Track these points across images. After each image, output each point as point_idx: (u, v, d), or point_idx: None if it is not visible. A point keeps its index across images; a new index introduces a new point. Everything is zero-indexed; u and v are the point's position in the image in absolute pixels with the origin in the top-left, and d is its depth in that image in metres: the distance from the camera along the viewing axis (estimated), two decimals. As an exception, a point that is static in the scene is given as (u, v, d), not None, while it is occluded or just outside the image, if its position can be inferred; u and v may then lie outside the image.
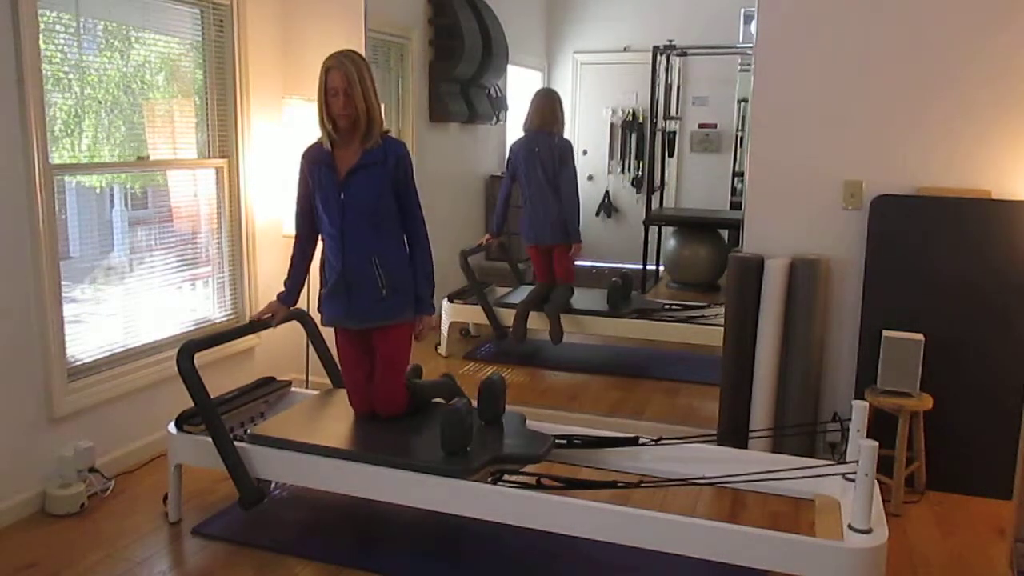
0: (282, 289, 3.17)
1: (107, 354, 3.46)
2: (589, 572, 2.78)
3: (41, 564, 2.78)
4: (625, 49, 4.75)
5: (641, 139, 4.86)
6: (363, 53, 3.74)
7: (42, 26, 3.04)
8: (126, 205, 3.65)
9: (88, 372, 3.35)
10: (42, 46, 3.03)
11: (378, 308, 3.01)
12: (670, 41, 4.63)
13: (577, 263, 4.62)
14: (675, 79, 4.73)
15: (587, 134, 4.91)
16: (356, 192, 2.94)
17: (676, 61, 4.70)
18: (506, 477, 2.80)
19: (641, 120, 4.84)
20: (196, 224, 3.95)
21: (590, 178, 4.95)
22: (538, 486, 2.71)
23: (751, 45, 3.60)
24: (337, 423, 3.07)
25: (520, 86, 4.95)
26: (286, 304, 3.18)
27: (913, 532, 3.09)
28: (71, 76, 3.24)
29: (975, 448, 3.35)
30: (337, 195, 2.95)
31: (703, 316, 4.44)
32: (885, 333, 3.28)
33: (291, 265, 3.17)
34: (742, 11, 4.19)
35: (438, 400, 3.25)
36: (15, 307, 3.02)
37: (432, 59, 4.78)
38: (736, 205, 4.46)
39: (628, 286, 4.67)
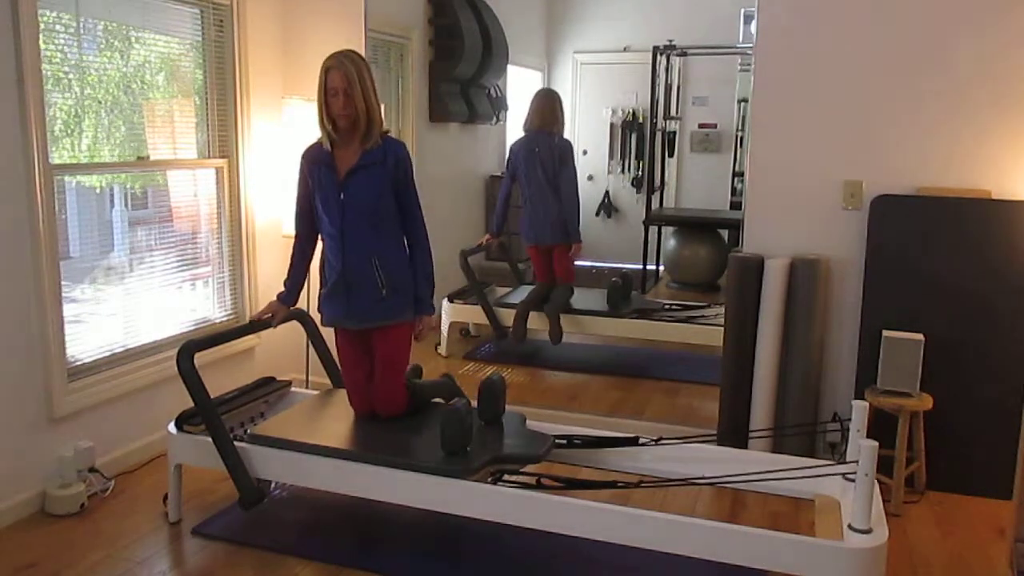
0: (282, 289, 3.17)
1: (107, 354, 3.46)
2: (589, 572, 2.78)
3: (41, 564, 2.78)
4: (625, 49, 4.75)
5: (641, 139, 4.86)
6: (363, 53, 3.75)
7: (42, 26, 3.04)
8: (126, 205, 3.65)
9: (88, 372, 3.35)
10: (42, 46, 3.03)
11: (378, 308, 3.01)
12: (670, 41, 4.63)
13: (577, 263, 4.62)
14: (675, 79, 4.73)
15: (587, 134, 4.91)
16: (356, 192, 2.94)
17: (676, 61, 4.70)
18: (506, 477, 2.80)
19: (641, 120, 4.84)
20: (196, 224, 3.95)
21: (590, 178, 4.95)
22: (538, 486, 2.71)
23: (751, 45, 3.60)
24: (337, 423, 3.07)
25: (520, 86, 4.95)
26: (286, 304, 3.18)
27: (913, 532, 3.09)
28: (71, 76, 3.24)
29: (975, 448, 3.35)
30: (337, 195, 2.95)
31: (703, 316, 4.44)
32: (885, 333, 3.28)
33: (291, 265, 3.17)
34: (742, 11, 4.19)
35: (438, 400, 3.25)
36: (15, 307, 3.02)
37: (432, 59, 4.78)
38: (736, 205, 4.46)
39: (628, 286, 4.67)
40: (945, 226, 3.31)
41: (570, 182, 4.53)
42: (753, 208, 3.62)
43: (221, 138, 4.00)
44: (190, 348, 2.90)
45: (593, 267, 4.89)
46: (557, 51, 4.91)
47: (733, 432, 3.52)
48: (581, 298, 4.63)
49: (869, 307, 3.44)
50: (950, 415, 3.34)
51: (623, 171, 4.93)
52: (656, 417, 3.97)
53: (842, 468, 2.61)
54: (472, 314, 4.82)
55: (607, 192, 4.97)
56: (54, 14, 3.13)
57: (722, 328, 3.60)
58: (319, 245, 3.14)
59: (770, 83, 3.53)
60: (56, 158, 3.19)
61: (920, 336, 3.23)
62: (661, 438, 2.94)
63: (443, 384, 3.30)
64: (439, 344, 4.80)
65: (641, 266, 4.84)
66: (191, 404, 2.92)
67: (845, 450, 2.74)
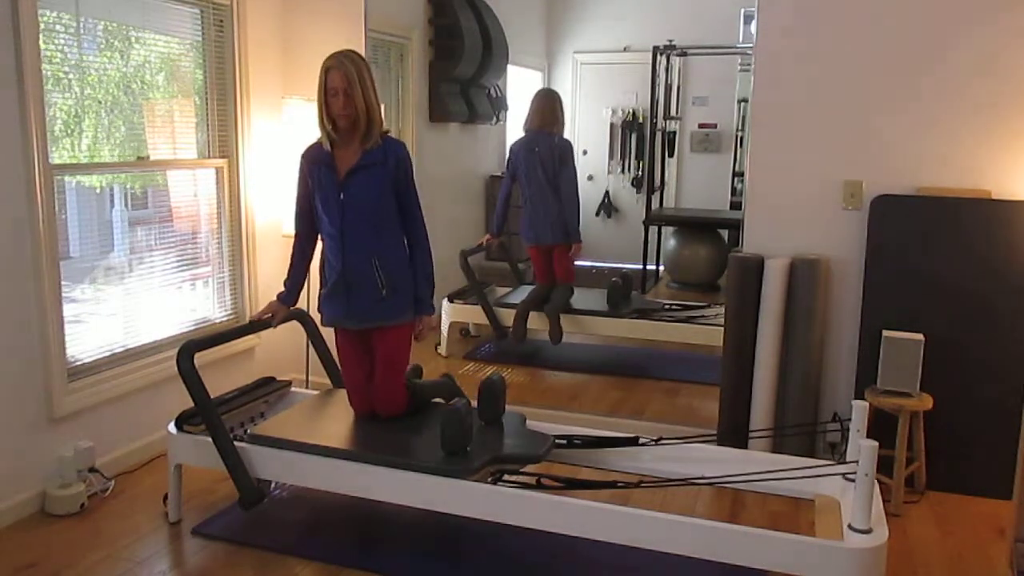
0: (282, 289, 3.17)
1: (107, 354, 3.46)
2: (589, 572, 2.78)
3: (41, 564, 2.78)
4: (625, 49, 4.75)
5: (641, 139, 4.86)
6: (363, 53, 3.75)
7: (42, 26, 3.04)
8: (126, 205, 3.65)
9: (88, 372, 3.35)
10: (42, 46, 3.03)
11: (378, 308, 3.01)
12: (670, 41, 4.63)
13: (577, 263, 4.62)
14: (675, 79, 4.73)
15: (587, 134, 4.91)
16: (356, 192, 2.94)
17: (676, 61, 4.70)
18: (506, 477, 2.80)
19: (641, 120, 4.84)
20: (196, 224, 3.95)
21: (590, 178, 4.95)
22: (538, 486, 2.71)
23: (751, 45, 3.60)
24: (337, 423, 3.07)
25: (520, 86, 4.95)
26: (286, 304, 3.18)
27: (913, 532, 3.09)
28: (71, 76, 3.24)
29: (975, 448, 3.35)
30: (337, 195, 2.95)
31: (703, 316, 4.44)
32: (885, 333, 3.28)
33: (291, 265, 3.17)
34: (742, 11, 4.19)
35: (438, 400, 3.25)
36: (15, 307, 3.02)
37: (432, 59, 4.78)
38: (736, 205, 4.45)
39: (628, 286, 4.67)
40: (945, 226, 3.31)
41: (570, 182, 4.53)
42: (753, 208, 3.62)
43: (221, 138, 4.00)
44: (190, 348, 2.90)
45: (593, 267, 4.89)
46: (557, 51, 4.91)
47: (733, 432, 3.52)
48: (581, 298, 4.63)
49: (869, 307, 3.44)
50: (950, 415, 3.34)
51: (623, 171, 4.93)
52: (656, 417, 3.97)
53: (842, 468, 2.61)
54: (472, 314, 4.82)
55: (607, 192, 4.97)
56: (54, 14, 3.13)
57: (722, 328, 3.60)
58: (319, 245, 3.14)
59: (770, 83, 3.53)
60: (56, 158, 3.19)
61: (920, 336, 3.23)
62: (661, 438, 2.94)
63: (443, 384, 3.30)
64: (439, 344, 4.80)
65: (641, 266, 4.84)
66: (191, 404, 2.92)
67: (845, 450, 2.74)
